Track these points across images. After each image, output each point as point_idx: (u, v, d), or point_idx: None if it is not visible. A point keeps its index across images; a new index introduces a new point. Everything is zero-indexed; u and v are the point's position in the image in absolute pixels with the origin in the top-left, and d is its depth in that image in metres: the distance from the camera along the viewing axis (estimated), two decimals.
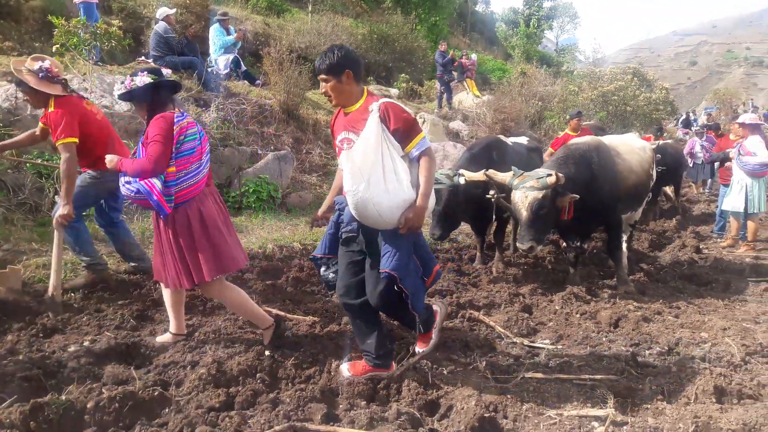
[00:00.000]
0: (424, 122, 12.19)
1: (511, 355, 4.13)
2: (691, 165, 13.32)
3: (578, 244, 5.99)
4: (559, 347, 4.29)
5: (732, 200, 8.04)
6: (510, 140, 7.43)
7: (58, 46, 7.66)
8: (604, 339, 4.41)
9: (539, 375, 3.76)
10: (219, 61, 11.13)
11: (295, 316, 4.64)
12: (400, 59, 19.93)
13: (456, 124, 14.66)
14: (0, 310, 4.13)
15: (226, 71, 11.00)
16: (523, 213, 5.03)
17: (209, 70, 10.65)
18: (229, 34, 11.30)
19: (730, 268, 6.99)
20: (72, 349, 3.63)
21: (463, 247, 7.53)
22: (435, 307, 3.66)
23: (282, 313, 4.66)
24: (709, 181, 13.98)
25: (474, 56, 19.83)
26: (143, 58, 10.44)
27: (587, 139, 6.15)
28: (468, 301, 5.28)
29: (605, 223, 5.87)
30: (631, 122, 18.01)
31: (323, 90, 3.23)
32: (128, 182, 3.53)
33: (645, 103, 18.47)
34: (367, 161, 3.00)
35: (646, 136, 11.72)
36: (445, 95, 16.43)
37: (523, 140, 7.74)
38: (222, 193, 8.05)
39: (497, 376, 3.76)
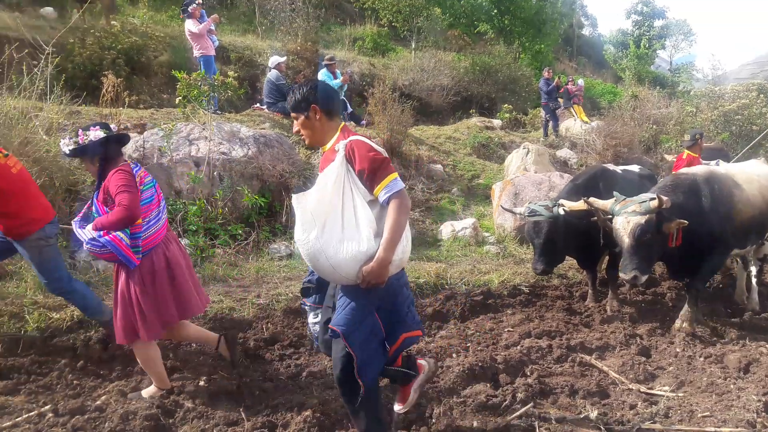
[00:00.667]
0: (528, 152, 11.94)
1: (627, 403, 3.90)
2: None
3: (687, 281, 5.53)
4: (680, 395, 3.99)
5: None
6: (620, 168, 7.08)
7: (180, 98, 8.40)
8: (732, 386, 4.04)
9: (658, 426, 3.52)
10: None
11: None
12: (503, 89, 19.76)
13: (563, 153, 14.22)
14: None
15: None
16: (625, 240, 4.74)
17: None
18: (336, 77, 11.82)
19: None
20: (189, 389, 3.86)
21: (574, 283, 7.22)
22: (422, 362, 3.33)
23: None
24: None
25: (581, 81, 19.23)
26: (258, 105, 11.15)
27: (698, 168, 5.82)
28: (579, 343, 5.05)
29: (709, 259, 5.32)
30: (759, 143, 16.49)
31: (295, 129, 2.99)
32: (93, 239, 3.44)
33: None
34: (321, 207, 2.72)
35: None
36: (550, 123, 16.02)
37: (634, 168, 7.33)
38: None
39: (610, 427, 3.56)
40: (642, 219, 4.65)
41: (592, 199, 5.22)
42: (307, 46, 15.08)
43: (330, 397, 3.78)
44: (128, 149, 7.70)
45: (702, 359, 4.66)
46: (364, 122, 11.41)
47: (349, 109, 11.72)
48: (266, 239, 7.71)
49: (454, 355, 4.78)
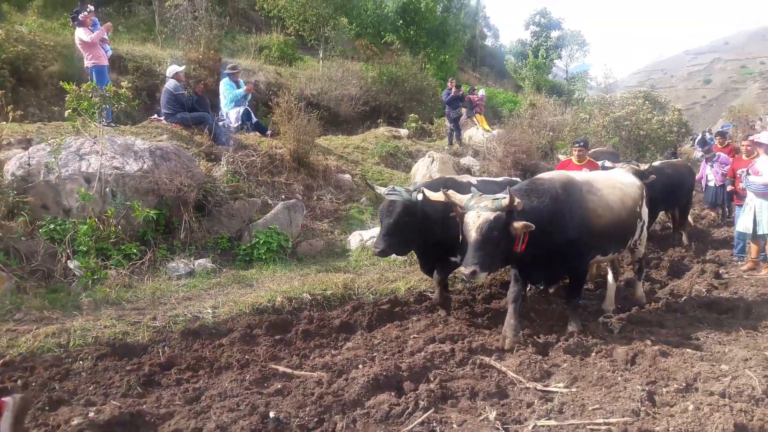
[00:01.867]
0: (433, 161, 12.23)
1: (524, 402, 4.02)
2: (704, 189, 12.50)
3: (542, 287, 5.71)
4: (573, 390, 4.16)
5: (743, 221, 7.92)
6: (474, 179, 6.86)
7: (70, 111, 7.92)
8: (619, 378, 4.26)
9: (552, 422, 3.65)
10: (230, 114, 11.38)
11: (302, 373, 4.59)
12: (411, 99, 20.21)
13: (467, 160, 14.67)
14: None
15: (237, 124, 11.23)
16: (473, 234, 4.60)
17: (220, 123, 10.88)
18: (239, 86, 11.58)
19: (751, 293, 6.77)
20: (76, 422, 3.61)
21: (477, 287, 7.43)
22: (6, 399, 3.11)
23: (288, 370, 4.63)
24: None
25: (482, 91, 19.98)
26: (155, 116, 10.71)
27: (556, 173, 5.68)
28: (480, 345, 5.18)
29: (569, 266, 5.34)
30: (645, 146, 17.82)
31: None
32: None
33: (658, 126, 18.27)
34: None
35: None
36: (454, 132, 16.50)
37: (498, 179, 7.46)
38: (233, 246, 8.12)
39: (508, 426, 3.66)
40: (491, 215, 4.57)
41: (450, 192, 5.14)
42: (209, 55, 14.71)
43: (229, 420, 3.65)
44: (11, 167, 7.17)
45: (594, 354, 4.91)
46: (269, 132, 11.24)
47: (254, 120, 11.50)
48: (164, 258, 7.39)
49: (360, 366, 4.76)
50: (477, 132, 17.67)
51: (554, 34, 37.65)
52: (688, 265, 8.51)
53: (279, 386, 4.33)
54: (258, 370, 4.61)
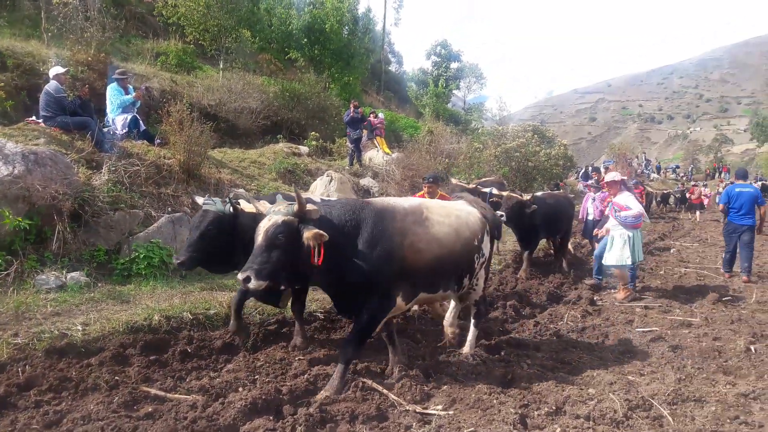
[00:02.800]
0: (332, 180, 12.22)
1: (402, 425, 4.02)
2: (584, 222, 12.61)
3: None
4: (451, 412, 4.21)
5: (617, 254, 8.41)
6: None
7: None
8: (495, 401, 4.37)
9: None
10: (116, 120, 10.74)
11: (176, 396, 4.33)
12: (313, 116, 20.15)
13: (366, 181, 14.81)
14: None
15: (124, 131, 10.61)
16: (258, 238, 4.17)
17: (105, 130, 10.23)
18: (128, 92, 10.97)
19: (620, 320, 7.27)
20: None
21: None
22: None
23: (161, 393, 4.35)
24: None
25: (381, 115, 20.32)
26: (33, 118, 9.87)
27: (381, 199, 5.09)
28: (365, 367, 5.16)
29: (363, 300, 4.53)
30: (533, 177, 18.90)
31: None
32: None
33: (545, 159, 19.48)
34: None
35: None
36: (355, 153, 16.62)
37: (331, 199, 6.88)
38: (111, 260, 7.59)
39: None
40: (280, 218, 4.18)
41: (261, 203, 4.78)
42: (99, 58, 13.89)
43: None
44: None
45: (473, 376, 5.03)
46: (158, 141, 10.70)
47: (142, 127, 10.91)
48: (32, 269, 6.78)
49: (239, 389, 4.57)
50: (377, 154, 17.92)
51: (453, 65, 39.19)
52: (567, 292, 9.02)
53: (150, 410, 4.08)
54: (128, 392, 4.32)
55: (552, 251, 11.63)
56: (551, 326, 6.99)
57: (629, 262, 8.33)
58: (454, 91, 39.35)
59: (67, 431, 3.70)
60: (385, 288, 4.57)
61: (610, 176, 8.90)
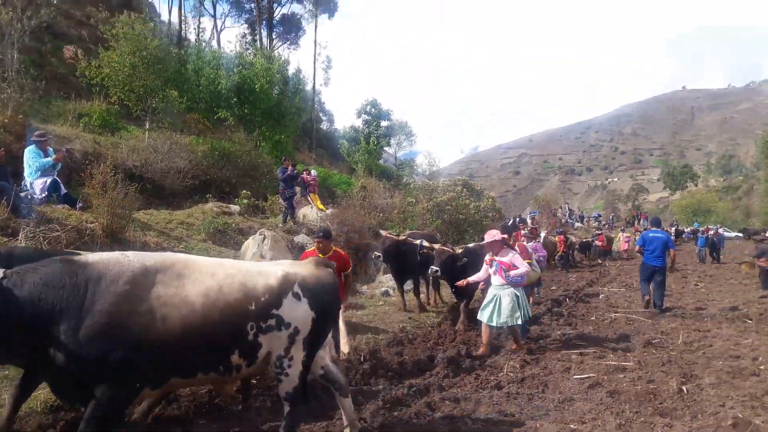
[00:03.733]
0: (265, 238, 11.97)
1: None
2: None
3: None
4: None
5: (507, 313, 8.01)
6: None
7: None
8: None
9: None
10: (35, 184, 10.19)
11: None
12: (244, 175, 19.92)
13: (301, 238, 14.62)
14: None
15: (43, 195, 10.07)
16: None
17: (22, 194, 9.69)
18: (47, 155, 10.49)
19: (558, 368, 7.35)
20: None
21: None
22: None
23: None
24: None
25: (314, 172, 20.39)
26: None
27: (111, 254, 3.92)
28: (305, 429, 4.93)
29: (88, 392, 3.51)
30: (465, 228, 19.31)
31: None
32: None
33: (475, 211, 20.02)
34: None
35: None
36: (289, 211, 16.45)
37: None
38: None
39: None
40: None
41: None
42: (17, 119, 13.36)
43: None
44: None
45: None
46: (80, 205, 10.21)
47: (63, 191, 10.39)
48: None
49: None
50: (311, 211, 17.84)
51: (384, 123, 40.25)
52: (504, 342, 9.05)
53: None
54: None
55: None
56: (492, 378, 6.97)
57: (519, 322, 8.14)
58: (385, 148, 40.20)
59: None
60: (114, 374, 3.51)
61: (489, 235, 8.36)
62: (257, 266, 4.55)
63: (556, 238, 21.55)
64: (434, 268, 9.87)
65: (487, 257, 8.37)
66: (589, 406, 5.73)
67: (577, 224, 46.51)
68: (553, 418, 5.36)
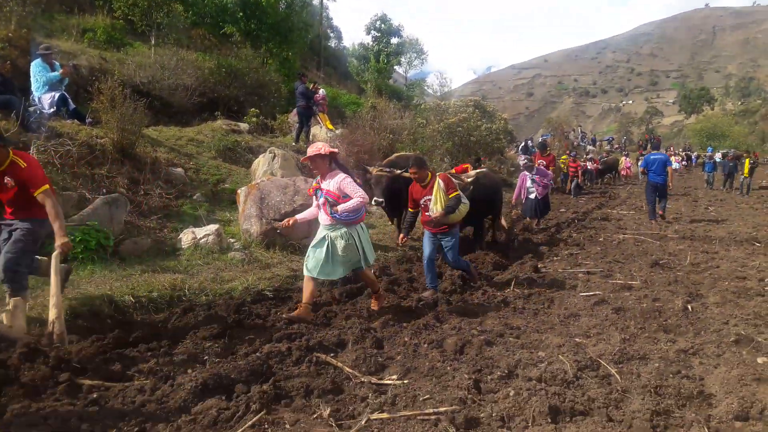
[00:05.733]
0: (275, 157, 11.94)
1: (359, 396, 3.99)
2: (523, 200, 12.63)
3: None
4: (405, 382, 4.22)
5: (333, 261, 5.89)
6: None
7: None
8: (448, 368, 4.41)
9: (384, 415, 3.65)
10: (43, 99, 10.11)
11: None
12: (252, 93, 19.62)
13: None
14: None
15: (52, 110, 10.01)
16: None
17: (31, 109, 9.63)
18: (54, 69, 10.33)
19: (564, 286, 7.47)
20: None
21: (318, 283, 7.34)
22: None
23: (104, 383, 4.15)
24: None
25: (322, 91, 20.00)
26: None
27: None
28: (318, 342, 5.09)
29: None
30: (475, 151, 19.10)
31: None
32: None
33: (487, 133, 19.72)
34: None
35: (461, 165, 11.21)
36: (304, 129, 16.20)
37: None
38: (44, 244, 7.18)
39: (341, 422, 3.60)
40: None
41: None
42: (21, 33, 13.10)
43: None
44: None
45: (426, 345, 5.05)
46: (89, 120, 10.16)
47: (71, 106, 10.31)
48: None
49: (189, 371, 4.42)
50: (321, 131, 17.66)
51: (394, 40, 38.97)
52: (511, 261, 9.16)
53: (95, 396, 3.90)
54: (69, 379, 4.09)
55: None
56: (498, 294, 7.11)
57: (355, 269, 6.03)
58: (395, 67, 39.21)
59: (5, 425, 3.48)
60: None
61: (313, 148, 5.82)
62: None
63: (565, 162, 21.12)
64: (377, 199, 8.89)
65: (313, 183, 6.08)
66: (594, 322, 5.84)
67: (590, 147, 45.93)
68: (558, 332, 5.49)
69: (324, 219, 5.84)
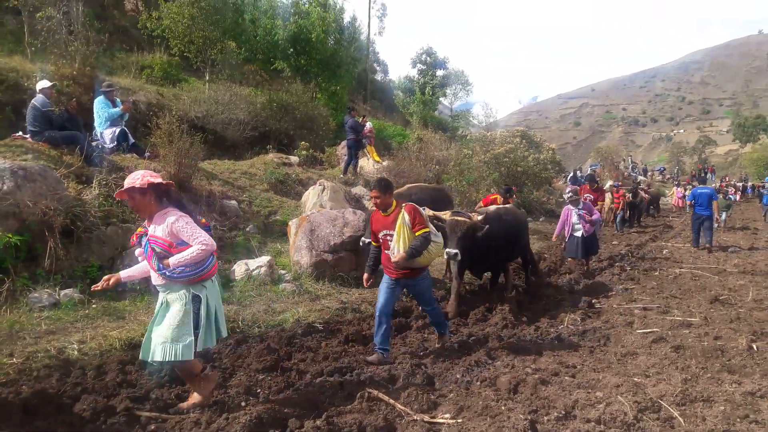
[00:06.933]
0: (324, 189, 12.13)
1: None
2: (567, 237, 10.99)
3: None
4: (459, 420, 4.16)
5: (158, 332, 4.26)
6: None
7: None
8: (503, 407, 4.33)
9: None
10: (105, 134, 10.61)
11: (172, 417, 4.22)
12: (301, 126, 20.04)
13: (358, 190, 14.74)
14: None
15: (113, 145, 10.48)
16: None
17: (94, 144, 10.11)
18: (115, 105, 10.85)
19: (620, 322, 7.25)
20: None
21: (367, 316, 7.36)
22: None
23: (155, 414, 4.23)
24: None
25: (369, 123, 20.27)
26: (20, 134, 9.72)
27: None
28: (369, 377, 5.08)
29: None
30: (523, 181, 18.93)
31: None
32: None
33: (534, 164, 19.54)
34: None
35: (489, 196, 11.13)
36: (351, 162, 16.37)
37: None
38: (102, 275, 7.46)
39: None
40: None
41: None
42: (84, 72, 13.75)
43: None
44: None
45: (479, 383, 4.97)
46: (147, 154, 10.58)
47: (131, 141, 10.78)
48: (24, 287, 6.66)
49: (242, 404, 4.47)
50: (368, 163, 17.88)
51: (439, 72, 39.28)
52: (564, 298, 8.90)
53: (152, 428, 3.98)
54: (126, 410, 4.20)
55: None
56: (551, 330, 6.95)
57: (180, 356, 4.05)
58: (440, 98, 39.44)
59: None
60: None
61: (129, 179, 4.12)
62: None
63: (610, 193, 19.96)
64: (452, 251, 7.25)
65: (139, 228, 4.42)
66: (653, 361, 5.64)
67: (640, 177, 44.81)
68: (616, 371, 5.31)
69: (153, 278, 4.24)
